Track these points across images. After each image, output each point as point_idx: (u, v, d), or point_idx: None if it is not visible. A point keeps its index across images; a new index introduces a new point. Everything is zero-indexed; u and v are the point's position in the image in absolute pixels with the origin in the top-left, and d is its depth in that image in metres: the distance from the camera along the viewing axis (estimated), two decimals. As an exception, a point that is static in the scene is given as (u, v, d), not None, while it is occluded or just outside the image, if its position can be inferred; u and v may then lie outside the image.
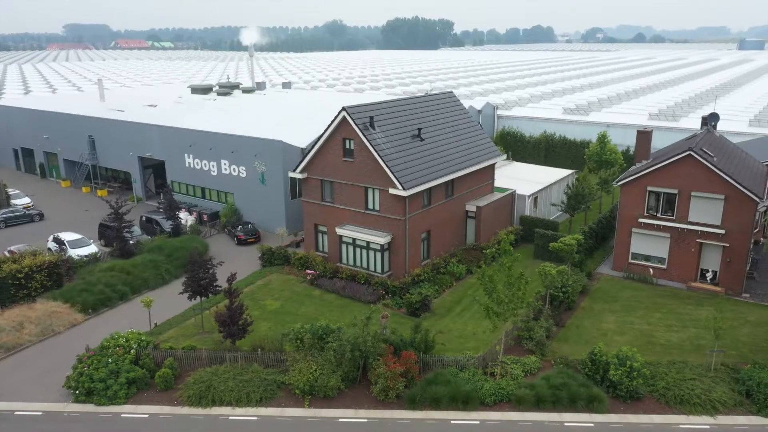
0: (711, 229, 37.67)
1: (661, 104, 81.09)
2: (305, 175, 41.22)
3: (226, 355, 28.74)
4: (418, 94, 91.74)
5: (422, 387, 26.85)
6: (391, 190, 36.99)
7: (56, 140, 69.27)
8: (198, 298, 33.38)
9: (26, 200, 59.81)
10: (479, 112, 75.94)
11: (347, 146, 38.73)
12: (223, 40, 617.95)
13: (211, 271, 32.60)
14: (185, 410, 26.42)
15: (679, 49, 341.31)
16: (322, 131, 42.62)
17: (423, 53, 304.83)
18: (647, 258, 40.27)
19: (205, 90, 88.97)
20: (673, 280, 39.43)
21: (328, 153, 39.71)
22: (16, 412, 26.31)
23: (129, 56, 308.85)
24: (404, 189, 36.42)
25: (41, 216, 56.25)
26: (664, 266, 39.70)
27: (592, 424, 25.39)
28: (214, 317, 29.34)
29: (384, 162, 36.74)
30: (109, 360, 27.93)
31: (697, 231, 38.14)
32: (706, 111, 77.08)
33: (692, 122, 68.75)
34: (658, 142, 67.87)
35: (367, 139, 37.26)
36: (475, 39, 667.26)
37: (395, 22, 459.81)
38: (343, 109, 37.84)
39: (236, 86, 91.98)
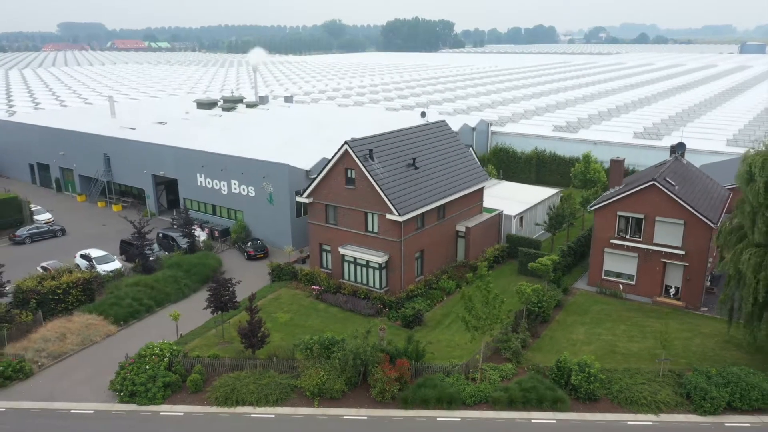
0: (673, 250, 43.36)
1: (647, 120, 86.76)
2: (311, 199, 46.91)
3: (247, 363, 34.43)
4: (417, 109, 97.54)
5: (413, 390, 32.50)
6: (388, 216, 42.67)
7: (72, 157, 74.94)
8: (219, 312, 39.01)
9: (47, 215, 65.41)
10: (473, 129, 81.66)
11: (349, 175, 44.40)
12: (221, 40, 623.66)
13: (231, 289, 38.27)
14: (213, 409, 32.08)
15: (680, 52, 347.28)
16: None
17: (422, 56, 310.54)
18: (618, 275, 45.97)
19: (210, 105, 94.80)
20: (641, 295, 45.13)
21: (332, 181, 45.39)
22: (72, 411, 31.96)
23: (127, 59, 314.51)
24: (399, 215, 42.12)
25: (63, 231, 61.87)
26: (633, 282, 45.40)
27: (554, 421, 31.06)
28: (237, 330, 34.97)
29: (382, 190, 42.42)
30: (147, 367, 33.59)
31: (661, 251, 43.82)
32: (691, 129, 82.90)
33: (674, 140, 74.33)
34: (642, 160, 73.98)
35: (366, 169, 42.94)
36: (476, 39, 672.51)
37: (395, 23, 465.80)
38: (346, 143, 43.51)
39: (240, 100, 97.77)
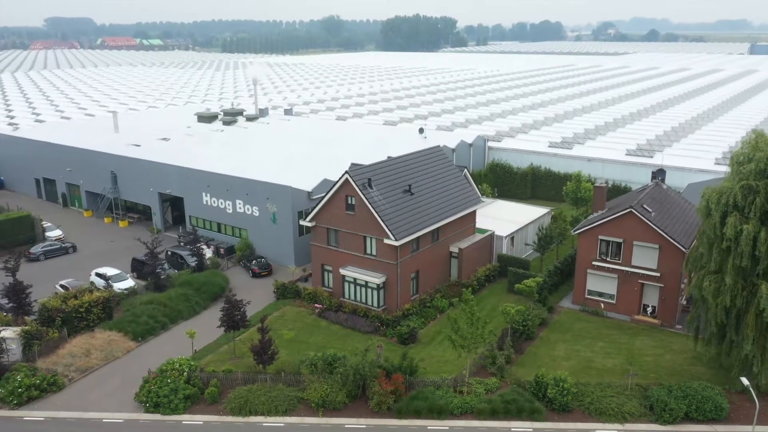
0: (649, 272, 49.11)
1: (642, 136, 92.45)
2: (314, 223, 52.66)
3: (258, 377, 40.14)
4: (416, 122, 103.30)
5: (407, 402, 38.20)
6: (386, 240, 48.40)
7: (79, 173, 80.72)
8: (232, 330, 44.74)
9: (58, 232, 71.19)
10: (470, 145, 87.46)
11: (349, 202, 50.14)
12: (214, 37, 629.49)
13: (242, 309, 44.00)
14: (229, 419, 37.81)
15: (689, 52, 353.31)
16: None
17: (423, 57, 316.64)
18: (600, 294, 51.71)
19: (211, 118, 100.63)
20: (621, 313, 50.87)
21: (333, 206, 51.12)
22: (104, 420, 37.70)
23: (119, 58, 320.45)
24: (396, 240, 47.85)
25: (74, 248, 67.61)
26: (613, 301, 51.14)
27: (531, 430, 36.80)
28: (250, 348, 40.65)
29: (379, 217, 48.16)
30: (169, 380, 39.30)
31: (639, 273, 49.55)
32: (684, 144, 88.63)
33: (665, 158, 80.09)
34: (633, 177, 79.81)
35: (365, 197, 48.68)
36: (480, 36, 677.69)
37: (395, 20, 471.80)
38: (347, 172, 49.26)
39: (240, 113, 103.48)
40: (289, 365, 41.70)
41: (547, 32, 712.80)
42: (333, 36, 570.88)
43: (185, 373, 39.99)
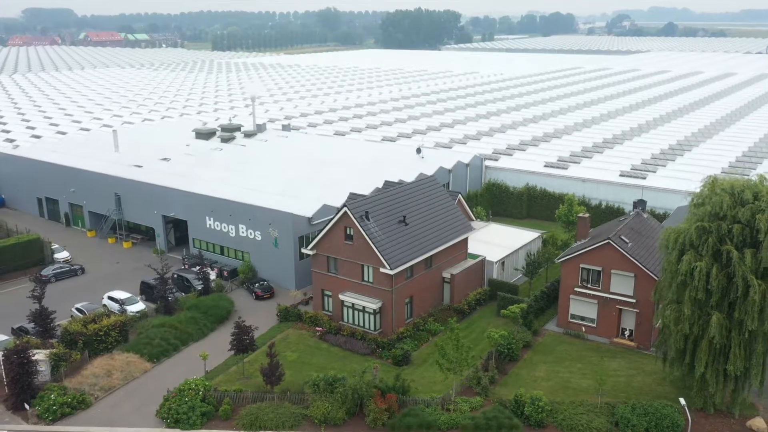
0: (626, 298, 57.17)
1: (637, 156, 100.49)
2: (315, 251, 60.75)
3: (266, 395, 48.19)
4: (415, 138, 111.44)
5: (400, 418, 46.20)
6: (381, 269, 56.49)
7: (82, 194, 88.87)
8: (242, 353, 52.81)
9: (65, 254, 79.29)
10: (467, 165, 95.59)
11: (348, 232, 58.22)
12: (203, 30, 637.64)
13: (250, 334, 52.08)
14: (241, 433, 45.91)
15: (704, 50, 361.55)
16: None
17: (424, 56, 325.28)
18: (582, 318, 59.78)
19: (209, 135, 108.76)
20: (601, 335, 58.93)
21: (333, 236, 59.18)
22: (131, 434, 45.84)
23: (106, 58, 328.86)
24: (391, 269, 55.92)
25: (83, 270, 75.73)
26: (594, 325, 59.22)
27: (509, 443, 44.89)
28: (260, 370, 48.67)
29: (376, 248, 56.22)
30: (186, 399, 47.33)
31: (617, 299, 57.62)
32: (678, 164, 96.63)
33: (657, 180, 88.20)
34: (626, 197, 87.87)
35: (363, 229, 56.75)
36: (486, 28, 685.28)
37: (396, 14, 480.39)
38: (345, 205, 57.36)
39: (237, 128, 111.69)
40: (294, 385, 49.74)
41: (557, 24, 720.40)
42: (330, 30, 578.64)
43: (201, 392, 48.02)
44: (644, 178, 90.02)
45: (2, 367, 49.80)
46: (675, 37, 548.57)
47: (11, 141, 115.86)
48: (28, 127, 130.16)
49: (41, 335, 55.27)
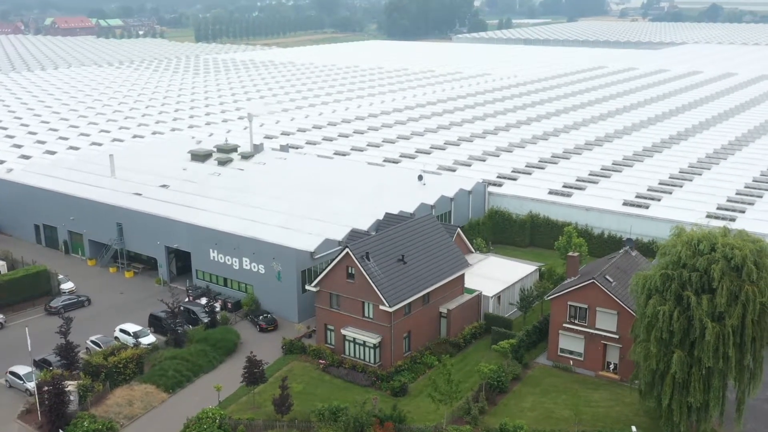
0: (610, 334, 70.87)
1: (643, 183, 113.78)
2: (318, 288, 74.66)
3: (276, 424, 61.99)
4: (419, 159, 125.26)
5: (396, 444, 60.03)
6: (381, 306, 70.31)
7: (82, 222, 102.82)
8: (253, 385, 66.68)
9: (70, 284, 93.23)
10: (469, 193, 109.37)
11: (349, 271, 72.06)
12: (183, 14, 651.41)
13: (261, 368, 65.91)
14: (255, 457, 59.70)
15: (748, 42, 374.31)
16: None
17: (432, 49, 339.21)
18: (570, 352, 73.51)
19: (205, 156, 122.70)
20: (587, 369, 72.63)
21: (335, 274, 73.03)
22: (156, 458, 59.70)
23: (80, 51, 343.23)
24: (390, 306, 69.75)
25: (89, 301, 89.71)
26: (582, 359, 72.93)
27: (493, 466, 58.69)
28: (272, 401, 62.43)
29: (376, 286, 70.04)
30: (204, 426, 61.11)
31: (602, 335, 71.33)
32: (683, 192, 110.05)
33: (659, 209, 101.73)
34: (628, 227, 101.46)
35: (363, 268, 70.57)
36: (504, 11, 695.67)
37: (401, 0, 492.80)
38: (347, 246, 71.21)
39: (234, 149, 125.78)
40: (301, 414, 63.53)
41: (585, 5, 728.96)
42: (327, 14, 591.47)
43: (217, 421, 61.80)
44: (647, 208, 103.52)
45: (36, 396, 63.64)
46: (717, 23, 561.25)
47: (1, 162, 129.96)
48: (14, 146, 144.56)
49: (66, 367, 69.11)
